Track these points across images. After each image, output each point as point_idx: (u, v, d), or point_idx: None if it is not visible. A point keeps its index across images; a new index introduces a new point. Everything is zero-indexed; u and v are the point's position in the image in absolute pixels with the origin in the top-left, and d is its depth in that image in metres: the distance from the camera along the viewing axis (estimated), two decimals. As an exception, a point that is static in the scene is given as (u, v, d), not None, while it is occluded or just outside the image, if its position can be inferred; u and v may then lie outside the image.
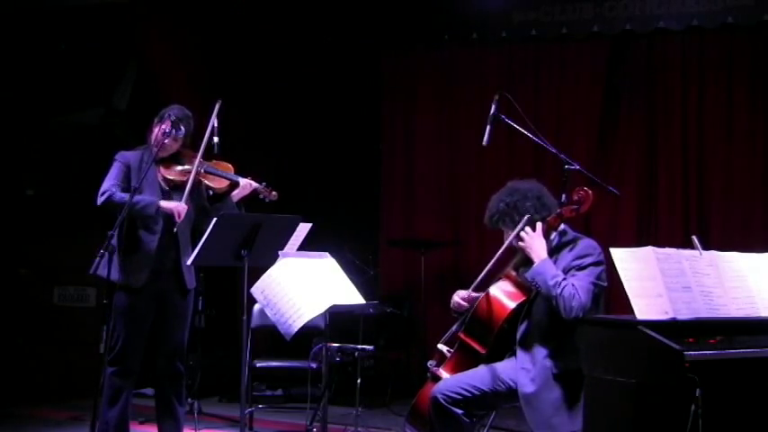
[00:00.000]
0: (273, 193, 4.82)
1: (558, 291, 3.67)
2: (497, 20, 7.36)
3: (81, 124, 7.83)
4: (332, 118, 8.02)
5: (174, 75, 7.41)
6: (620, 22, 7.02)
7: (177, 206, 4.51)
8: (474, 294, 4.06)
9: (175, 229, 4.53)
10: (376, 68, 7.95)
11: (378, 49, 7.85)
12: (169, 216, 4.55)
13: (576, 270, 3.77)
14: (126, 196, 4.44)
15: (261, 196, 4.80)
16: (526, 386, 3.75)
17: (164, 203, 4.52)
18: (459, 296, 4.09)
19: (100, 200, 4.50)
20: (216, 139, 4.69)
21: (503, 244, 3.97)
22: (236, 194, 4.74)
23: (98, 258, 4.24)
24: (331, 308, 4.65)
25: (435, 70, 7.81)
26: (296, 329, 4.51)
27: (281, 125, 8.14)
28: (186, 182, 4.58)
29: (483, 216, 7.75)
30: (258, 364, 5.89)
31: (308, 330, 4.88)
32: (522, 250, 3.88)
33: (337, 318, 5.25)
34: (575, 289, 3.67)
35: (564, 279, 3.71)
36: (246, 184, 4.73)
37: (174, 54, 7.47)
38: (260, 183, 4.80)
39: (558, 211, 3.86)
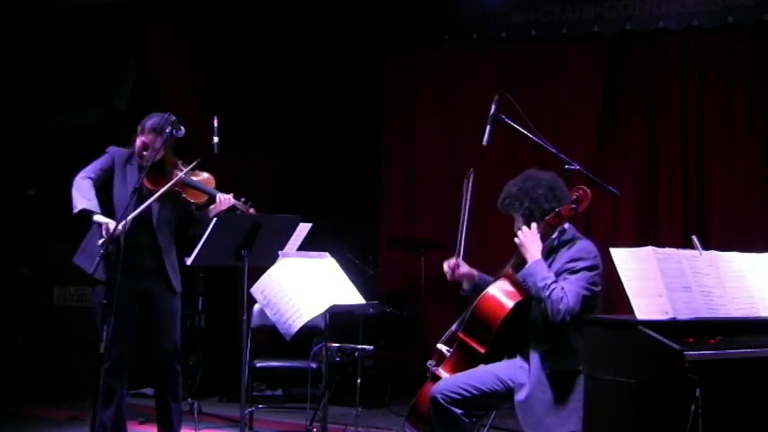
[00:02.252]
0: (251, 210, 4.78)
1: (547, 293, 3.67)
2: (497, 20, 7.36)
3: (81, 124, 7.83)
4: (332, 118, 8.02)
5: (174, 75, 7.41)
6: (620, 22, 7.01)
7: (108, 223, 4.34)
8: (463, 267, 4.16)
9: (99, 242, 4.30)
10: (376, 69, 7.94)
11: (378, 49, 7.85)
12: (141, 218, 4.48)
13: (569, 274, 3.76)
14: (85, 189, 4.43)
15: (238, 212, 4.76)
16: (520, 392, 3.75)
17: (97, 217, 4.38)
18: (449, 264, 4.19)
19: (77, 177, 4.50)
20: (216, 138, 4.69)
21: (503, 243, 3.96)
22: (213, 209, 4.70)
23: (98, 258, 4.24)
24: (331, 308, 4.66)
25: (435, 70, 7.80)
26: (296, 329, 4.51)
27: (281, 125, 8.14)
28: (160, 191, 4.54)
29: (483, 216, 7.77)
30: (258, 364, 5.89)
31: (308, 330, 4.88)
32: (518, 248, 3.88)
33: (337, 318, 5.25)
34: (563, 292, 3.67)
35: (554, 282, 3.71)
36: (224, 201, 4.68)
37: (174, 54, 7.47)
38: (239, 198, 4.77)
39: (557, 210, 3.86)
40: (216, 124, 4.71)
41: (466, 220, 4.24)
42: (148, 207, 4.50)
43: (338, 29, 7.73)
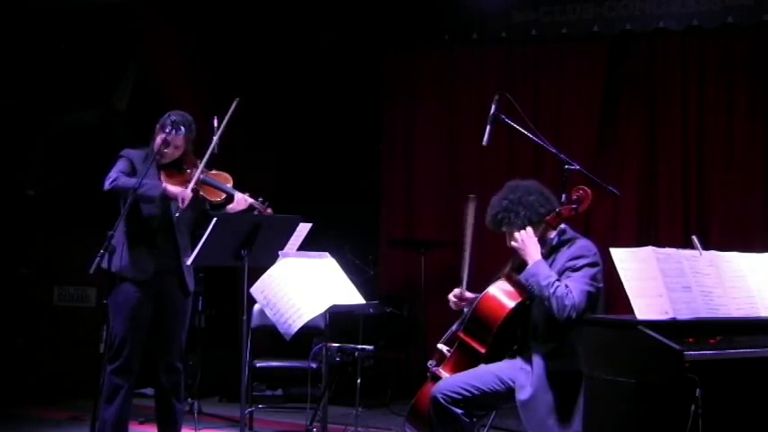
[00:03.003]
0: (269, 210, 4.78)
1: (551, 291, 3.67)
2: (497, 20, 7.36)
3: (81, 124, 7.83)
4: (332, 118, 8.02)
5: (174, 75, 7.40)
6: (620, 22, 7.02)
7: (183, 191, 4.48)
8: (467, 294, 4.09)
9: (177, 215, 4.51)
10: (376, 68, 7.94)
11: (378, 49, 7.85)
12: (167, 210, 4.56)
13: (571, 272, 3.76)
14: (132, 181, 4.45)
15: (255, 212, 4.77)
16: (522, 392, 3.74)
17: (170, 187, 4.51)
18: (454, 295, 4.13)
19: (107, 185, 4.48)
20: (216, 138, 4.70)
21: (503, 243, 3.96)
22: (231, 208, 4.69)
23: (98, 258, 4.24)
24: (331, 308, 4.66)
25: (435, 70, 7.81)
26: (296, 329, 4.51)
27: (281, 125, 8.14)
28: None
29: (483, 216, 7.75)
30: (258, 364, 5.89)
31: (308, 330, 4.88)
32: (517, 252, 3.88)
33: (337, 318, 5.25)
34: (568, 289, 3.67)
35: (557, 280, 3.71)
36: (241, 199, 4.69)
37: (175, 54, 7.47)
38: (256, 198, 4.77)
39: (558, 210, 3.86)
40: (216, 124, 4.71)
41: (469, 248, 4.17)
42: (168, 205, 4.56)
43: (338, 29, 7.73)
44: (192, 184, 4.52)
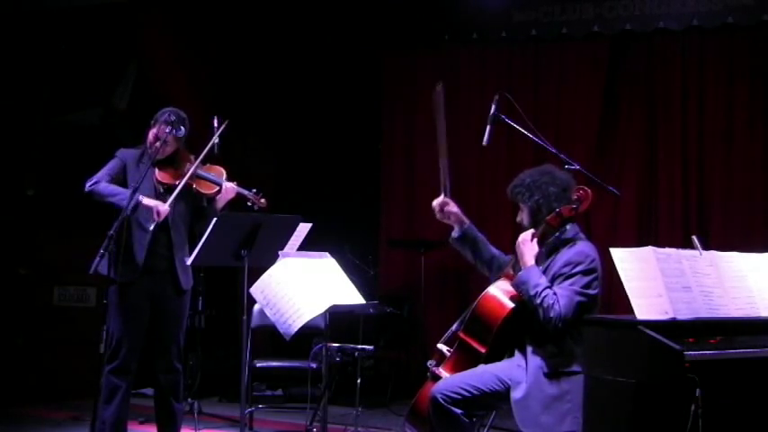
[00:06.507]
0: (263, 200, 4.77)
1: (538, 301, 3.67)
2: (497, 20, 7.36)
3: (81, 124, 7.83)
4: (332, 118, 8.02)
5: (174, 75, 7.41)
6: (620, 22, 7.02)
7: (158, 205, 4.47)
8: (452, 206, 4.07)
9: (151, 228, 4.47)
10: (376, 69, 7.94)
11: (378, 49, 7.85)
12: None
13: (563, 278, 3.75)
14: (109, 188, 4.47)
15: (249, 203, 4.77)
16: (517, 389, 3.74)
17: (145, 200, 4.48)
18: (438, 203, 4.10)
19: (87, 186, 4.52)
20: (216, 139, 4.70)
21: (502, 244, 3.96)
22: (220, 198, 4.70)
23: (98, 258, 4.24)
24: (331, 308, 4.66)
25: (435, 70, 7.79)
26: (295, 329, 4.51)
27: (281, 125, 8.14)
28: (178, 185, 4.58)
29: (483, 216, 7.75)
30: (258, 364, 5.89)
31: (308, 330, 4.88)
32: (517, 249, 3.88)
33: (337, 318, 5.25)
34: (555, 298, 3.66)
35: (546, 288, 3.70)
36: (229, 189, 4.68)
37: (175, 54, 7.47)
38: (249, 189, 4.77)
39: (558, 210, 3.86)
40: (216, 124, 4.71)
41: (445, 144, 4.02)
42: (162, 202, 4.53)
43: (338, 29, 7.73)
44: (171, 199, 4.50)
